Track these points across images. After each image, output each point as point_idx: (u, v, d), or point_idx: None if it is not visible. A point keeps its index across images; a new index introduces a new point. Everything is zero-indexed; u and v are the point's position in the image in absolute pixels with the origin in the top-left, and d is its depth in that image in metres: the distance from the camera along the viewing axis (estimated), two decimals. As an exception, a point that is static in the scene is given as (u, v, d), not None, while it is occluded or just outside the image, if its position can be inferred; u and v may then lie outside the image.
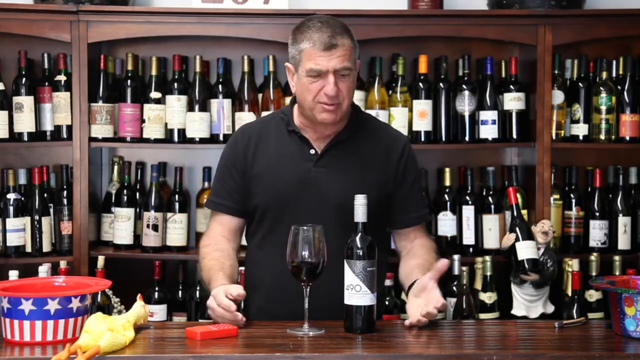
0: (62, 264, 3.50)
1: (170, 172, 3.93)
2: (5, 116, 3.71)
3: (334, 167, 2.67)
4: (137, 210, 3.80)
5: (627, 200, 3.85)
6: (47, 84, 3.76)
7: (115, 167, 3.89)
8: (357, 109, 2.77)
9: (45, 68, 3.80)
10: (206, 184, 3.86)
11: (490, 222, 3.81)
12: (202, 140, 3.73)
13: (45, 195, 3.77)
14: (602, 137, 3.80)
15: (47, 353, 2.17)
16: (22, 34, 3.70)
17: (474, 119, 3.80)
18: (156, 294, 3.70)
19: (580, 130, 3.84)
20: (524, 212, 3.67)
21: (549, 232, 3.34)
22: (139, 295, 2.45)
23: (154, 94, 3.75)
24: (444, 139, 3.81)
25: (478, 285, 3.54)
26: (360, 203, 2.40)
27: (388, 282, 3.37)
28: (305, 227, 2.36)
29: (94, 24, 3.67)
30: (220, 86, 3.77)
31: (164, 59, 3.91)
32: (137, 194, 3.85)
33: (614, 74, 3.88)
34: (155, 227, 3.75)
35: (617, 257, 3.51)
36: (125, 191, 3.82)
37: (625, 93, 3.82)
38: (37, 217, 3.72)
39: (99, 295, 3.26)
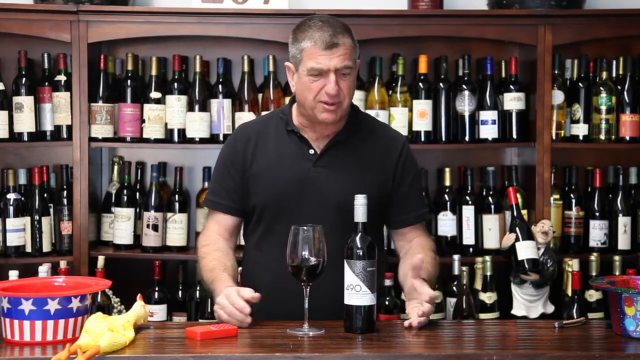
0: (62, 264, 3.50)
1: (170, 172, 3.93)
2: (5, 116, 3.71)
3: (333, 167, 2.67)
4: (137, 210, 3.80)
5: (627, 200, 3.85)
6: (47, 84, 3.76)
7: (115, 167, 3.89)
8: (355, 109, 2.77)
9: (45, 68, 3.80)
10: (206, 184, 3.86)
11: (490, 222, 3.81)
12: (202, 140, 3.73)
13: (45, 195, 3.77)
14: (602, 137, 3.80)
15: (47, 353, 2.17)
16: (22, 34, 3.70)
17: (474, 119, 3.81)
18: (156, 294, 3.70)
19: (580, 130, 3.84)
20: (524, 212, 3.67)
21: (549, 232, 3.34)
22: (139, 295, 2.45)
23: (154, 94, 3.75)
24: (444, 139, 3.81)
25: (478, 285, 3.54)
26: (360, 203, 2.40)
27: (388, 282, 3.37)
28: (305, 227, 2.36)
29: (94, 24, 3.67)
30: (220, 86, 3.77)
31: (164, 59, 3.91)
32: (137, 194, 3.85)
33: (614, 74, 3.88)
34: (155, 227, 3.75)
35: (617, 257, 3.51)
36: (125, 191, 3.82)
37: (625, 93, 3.82)
38: (37, 217, 3.72)
39: (99, 295, 3.26)
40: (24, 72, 3.75)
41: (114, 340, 2.16)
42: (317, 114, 2.60)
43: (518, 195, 3.44)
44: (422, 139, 3.77)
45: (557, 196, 3.85)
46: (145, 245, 3.75)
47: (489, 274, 3.50)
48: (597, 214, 3.83)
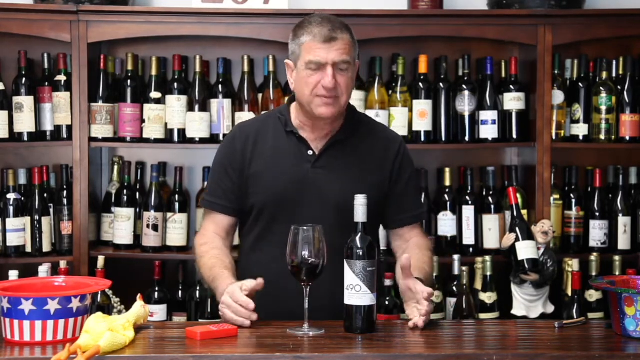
0: (62, 264, 3.50)
1: (170, 172, 3.93)
2: (5, 116, 3.71)
3: (332, 168, 2.68)
4: (137, 210, 3.80)
5: (627, 200, 3.85)
6: (47, 84, 3.76)
7: (115, 167, 3.89)
8: (353, 109, 2.78)
9: (45, 68, 3.80)
10: (206, 184, 3.86)
11: (490, 222, 3.81)
12: (202, 140, 3.73)
13: (45, 195, 3.77)
14: (602, 137, 3.80)
15: (47, 353, 2.17)
16: (22, 34, 3.70)
17: (474, 119, 3.81)
18: (156, 294, 3.70)
19: (580, 130, 3.84)
20: (524, 212, 3.67)
21: (549, 232, 3.34)
22: (139, 295, 2.45)
23: (154, 94, 3.75)
24: (444, 139, 3.81)
25: (478, 285, 3.54)
26: (360, 203, 2.40)
27: (388, 282, 3.37)
28: (305, 227, 2.36)
29: (94, 24, 3.67)
30: (220, 86, 3.77)
31: (164, 59, 3.91)
32: (137, 194, 3.85)
33: (614, 74, 3.88)
34: (155, 227, 3.75)
35: (617, 257, 3.51)
36: (125, 191, 3.82)
37: (625, 93, 3.82)
38: (37, 217, 3.72)
39: (99, 295, 3.25)
40: (24, 72, 3.75)
41: (114, 340, 2.16)
42: (315, 109, 2.60)
43: (518, 195, 3.44)
44: (422, 139, 3.77)
45: (557, 196, 3.85)
46: (145, 245, 3.75)
47: (489, 274, 3.50)
48: (597, 214, 3.83)
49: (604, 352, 2.26)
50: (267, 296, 2.55)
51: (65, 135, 3.73)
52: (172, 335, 2.38)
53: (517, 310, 3.31)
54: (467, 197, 3.83)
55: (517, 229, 3.27)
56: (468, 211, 3.81)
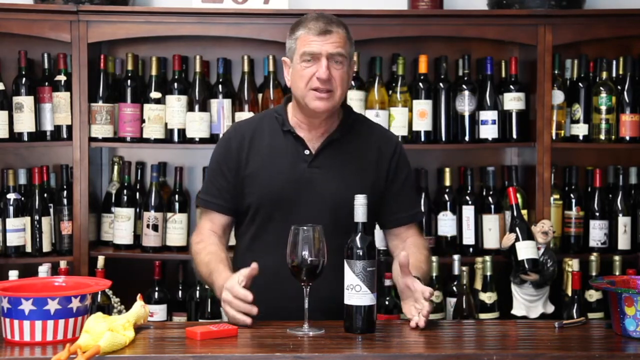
0: (62, 264, 3.51)
1: (170, 172, 3.93)
2: (5, 116, 3.71)
3: (328, 167, 2.68)
4: (137, 210, 3.80)
5: (627, 200, 3.85)
6: (47, 84, 3.76)
7: (115, 167, 3.89)
8: (349, 109, 2.79)
9: (45, 68, 3.80)
10: (205, 184, 3.87)
11: (490, 222, 3.81)
12: (202, 140, 3.73)
13: (45, 195, 3.77)
14: (602, 137, 3.80)
15: (47, 353, 2.17)
16: (22, 34, 3.71)
17: (474, 119, 3.81)
18: (156, 294, 3.70)
19: (580, 130, 3.84)
20: (524, 212, 3.67)
21: (549, 232, 3.34)
22: (139, 295, 2.44)
23: (154, 94, 3.75)
24: (444, 139, 3.81)
25: (478, 285, 3.54)
26: (360, 203, 2.39)
27: (388, 282, 3.37)
28: (305, 227, 2.36)
29: (94, 24, 3.67)
30: (220, 86, 3.77)
31: (164, 59, 3.91)
32: (137, 194, 3.85)
33: (614, 74, 3.88)
34: (155, 227, 3.75)
35: (617, 257, 3.51)
36: (125, 191, 3.82)
37: (625, 93, 3.82)
38: (37, 217, 3.72)
39: (99, 295, 3.26)
40: (24, 72, 3.75)
41: (114, 340, 2.16)
42: (309, 102, 2.60)
43: (518, 195, 3.44)
44: (422, 139, 3.77)
45: (557, 196, 3.85)
46: (145, 245, 3.75)
47: (489, 274, 3.50)
48: (597, 214, 3.83)
49: (604, 352, 2.26)
50: (263, 295, 2.54)
51: (65, 135, 3.73)
52: (172, 335, 2.38)
53: (517, 310, 3.31)
54: (467, 197, 3.83)
55: (517, 229, 3.27)
56: (468, 211, 3.81)
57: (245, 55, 3.80)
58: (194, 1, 3.71)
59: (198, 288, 3.72)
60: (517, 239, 3.25)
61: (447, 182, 3.84)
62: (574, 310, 3.26)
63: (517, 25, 3.73)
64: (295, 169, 2.67)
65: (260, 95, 3.82)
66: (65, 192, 3.78)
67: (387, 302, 3.44)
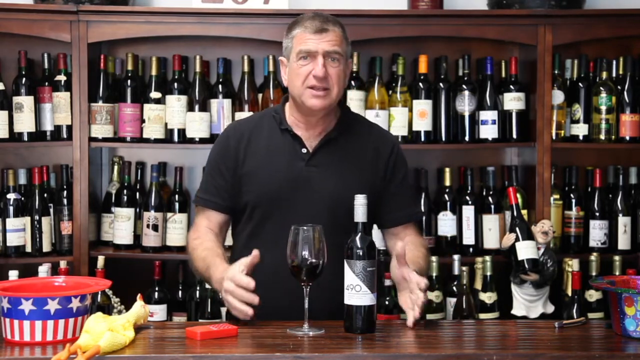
0: (62, 264, 3.51)
1: (170, 172, 3.94)
2: (5, 116, 3.71)
3: (325, 166, 2.68)
4: (137, 210, 3.80)
5: (627, 200, 3.85)
6: (47, 84, 3.76)
7: (115, 167, 3.89)
8: (347, 108, 2.80)
9: (45, 68, 3.80)
10: (204, 183, 3.86)
11: (490, 222, 3.82)
12: (202, 140, 3.73)
13: (45, 195, 3.77)
14: (602, 137, 3.80)
15: (47, 353, 2.16)
16: (22, 34, 3.71)
17: (474, 119, 3.81)
18: (156, 294, 3.70)
19: (580, 130, 3.84)
20: (524, 212, 3.67)
21: (549, 232, 3.34)
22: (139, 295, 2.44)
23: (154, 94, 3.75)
24: (444, 139, 3.81)
25: (478, 285, 3.54)
26: (360, 203, 2.39)
27: (388, 282, 3.37)
28: (305, 227, 2.36)
29: (94, 24, 3.67)
30: (220, 86, 3.77)
31: (164, 59, 3.91)
32: (137, 194, 3.85)
33: (614, 74, 3.88)
34: (155, 227, 3.75)
35: (617, 257, 3.51)
36: (125, 191, 3.82)
37: (625, 93, 3.82)
38: (37, 217, 3.72)
39: (99, 295, 3.26)
40: (24, 72, 3.75)
41: (114, 340, 2.16)
42: (306, 100, 2.61)
43: (518, 195, 3.44)
44: (422, 139, 3.77)
45: (557, 196, 3.85)
46: (145, 245, 3.75)
47: (489, 274, 3.50)
48: (597, 214, 3.83)
49: (604, 352, 2.26)
50: (260, 293, 2.54)
51: (65, 135, 3.74)
52: (172, 335, 2.38)
53: (517, 310, 3.31)
54: (467, 197, 3.83)
55: (517, 229, 3.27)
56: (468, 211, 3.81)
57: (245, 55, 3.80)
58: (194, 1, 3.71)
59: (198, 288, 3.72)
60: (517, 239, 3.25)
61: (447, 182, 3.84)
62: (574, 310, 3.26)
63: (517, 25, 3.73)
64: (293, 168, 2.68)
65: (260, 95, 3.82)
66: (65, 192, 3.78)
67: (387, 302, 3.44)
